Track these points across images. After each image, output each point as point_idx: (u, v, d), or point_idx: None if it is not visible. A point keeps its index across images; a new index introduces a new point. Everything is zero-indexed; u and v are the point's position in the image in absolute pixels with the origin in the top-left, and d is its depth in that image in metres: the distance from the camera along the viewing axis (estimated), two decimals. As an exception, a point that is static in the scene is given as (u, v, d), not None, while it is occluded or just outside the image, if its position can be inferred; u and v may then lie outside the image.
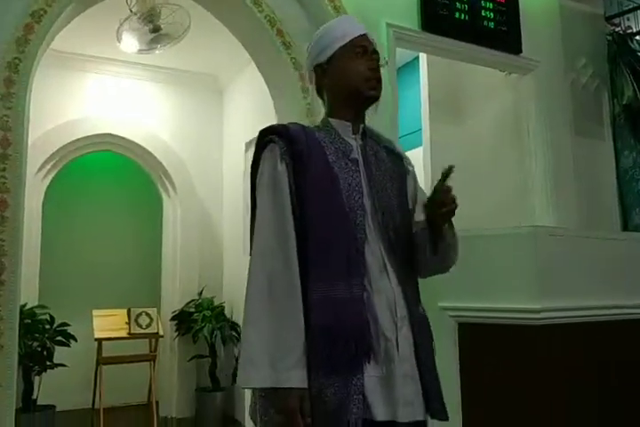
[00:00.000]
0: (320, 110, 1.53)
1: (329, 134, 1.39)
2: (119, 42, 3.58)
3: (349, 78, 1.38)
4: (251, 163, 1.43)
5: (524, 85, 3.53)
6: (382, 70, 1.42)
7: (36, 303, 4.13)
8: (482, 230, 2.46)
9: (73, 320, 4.16)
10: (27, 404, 3.90)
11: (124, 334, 4.00)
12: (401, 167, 1.47)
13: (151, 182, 5.11)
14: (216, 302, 4.73)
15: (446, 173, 1.26)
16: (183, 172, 4.96)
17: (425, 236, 1.35)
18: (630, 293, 2.49)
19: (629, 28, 3.80)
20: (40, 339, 3.94)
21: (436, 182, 1.29)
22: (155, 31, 3.40)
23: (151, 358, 4.09)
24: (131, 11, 3.36)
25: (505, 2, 3.31)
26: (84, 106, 4.65)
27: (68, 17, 2.59)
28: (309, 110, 2.77)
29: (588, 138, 3.56)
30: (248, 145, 4.69)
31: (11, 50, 2.30)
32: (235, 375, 4.49)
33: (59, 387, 4.32)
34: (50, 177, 4.59)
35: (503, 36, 3.30)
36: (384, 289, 1.29)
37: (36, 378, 3.98)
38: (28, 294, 4.07)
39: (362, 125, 1.43)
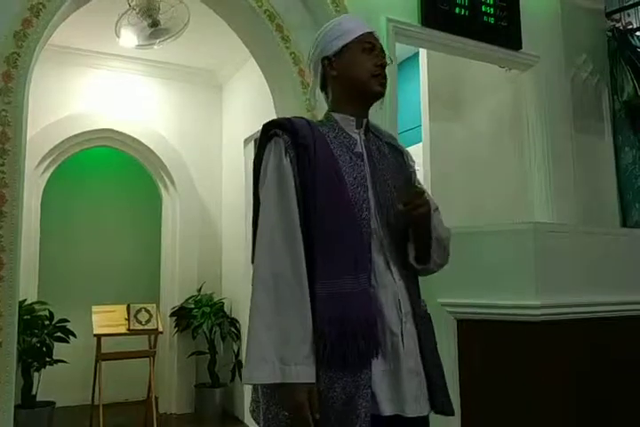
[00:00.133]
0: (319, 106, 1.52)
1: (332, 129, 1.39)
2: (118, 37, 3.57)
3: (356, 72, 1.38)
4: (254, 157, 1.42)
5: (523, 81, 3.51)
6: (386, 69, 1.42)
7: (35, 299, 4.14)
8: (481, 226, 2.46)
9: (72, 316, 4.17)
10: (26, 400, 3.90)
11: (123, 330, 4.00)
12: (403, 163, 1.47)
13: (150, 178, 5.10)
14: (215, 299, 4.73)
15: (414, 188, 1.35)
16: (182, 167, 4.95)
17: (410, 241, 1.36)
18: (630, 289, 2.49)
19: (630, 23, 3.78)
20: (39, 335, 3.94)
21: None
22: (153, 25, 3.39)
23: (150, 354, 4.08)
24: (129, 5, 3.35)
25: (505, -3, 3.30)
26: (82, 101, 4.64)
27: (66, 11, 2.58)
28: (309, 105, 2.76)
29: (588, 134, 3.55)
30: (247, 140, 4.68)
31: (9, 44, 2.29)
32: (234, 372, 4.50)
33: (58, 383, 4.34)
34: (49, 172, 4.59)
35: (503, 31, 3.29)
36: (389, 284, 1.29)
37: (36, 374, 3.99)
38: (28, 290, 4.08)
39: (365, 120, 1.43)
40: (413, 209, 1.29)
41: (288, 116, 1.41)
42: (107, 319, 4.00)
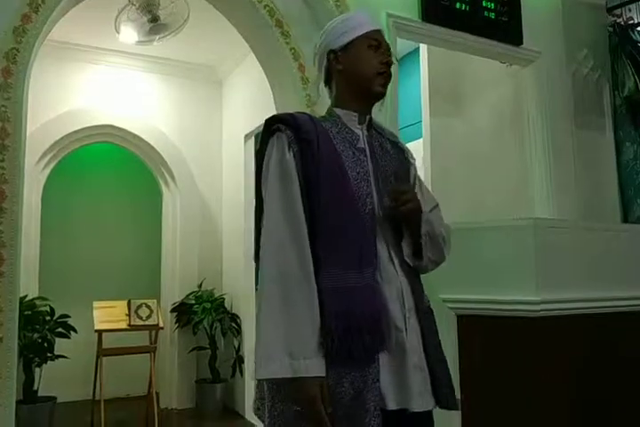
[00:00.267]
0: (322, 101, 1.52)
1: (335, 124, 1.39)
2: (118, 32, 3.56)
3: (362, 68, 1.38)
4: (256, 152, 1.41)
5: (524, 77, 3.51)
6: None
7: (36, 295, 4.14)
8: (481, 222, 2.46)
9: (73, 312, 4.17)
10: (28, 395, 3.91)
11: (124, 325, 4.00)
12: (404, 160, 1.47)
13: (150, 174, 5.10)
14: (216, 294, 4.74)
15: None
16: (182, 163, 4.95)
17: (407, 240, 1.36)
18: (630, 285, 2.49)
19: (631, 19, 3.77)
20: (40, 330, 3.95)
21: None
22: (153, 21, 3.38)
23: (151, 349, 4.09)
24: (129, 0, 3.34)
25: (506, -8, 3.29)
26: (82, 97, 4.63)
27: (65, 7, 2.57)
28: (309, 101, 2.76)
29: (589, 130, 3.55)
30: (248, 136, 4.68)
31: (8, 40, 2.28)
32: (234, 367, 4.50)
33: (59, 378, 4.34)
34: (49, 168, 4.58)
35: (504, 26, 3.28)
36: (393, 279, 1.29)
37: (37, 370, 3.99)
38: (29, 285, 4.08)
39: (368, 117, 1.43)
40: (402, 204, 1.29)
41: (290, 112, 1.41)
42: (107, 315, 4.01)
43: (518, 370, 2.19)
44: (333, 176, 1.29)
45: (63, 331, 4.06)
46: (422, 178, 1.54)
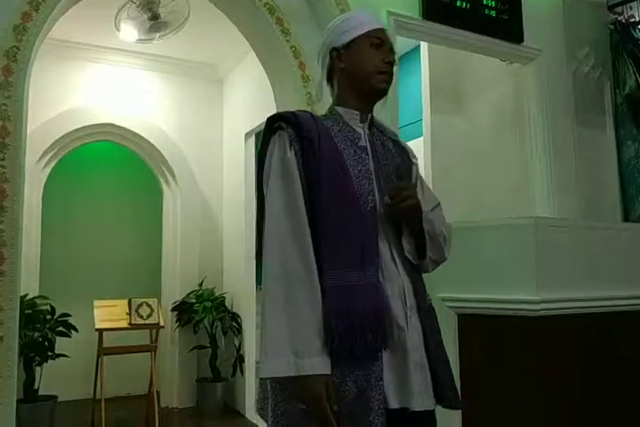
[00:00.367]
0: (319, 99, 1.52)
1: (337, 122, 1.38)
2: (118, 30, 3.56)
3: (364, 66, 1.38)
4: (258, 150, 1.41)
5: (525, 75, 3.50)
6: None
7: (36, 294, 4.14)
8: (482, 221, 2.45)
9: (74, 311, 4.17)
10: (28, 394, 3.92)
11: (124, 324, 4.00)
12: (406, 159, 1.47)
13: (151, 172, 5.10)
14: (217, 293, 4.73)
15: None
16: (183, 162, 4.95)
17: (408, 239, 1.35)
18: (631, 284, 2.48)
19: (632, 16, 3.76)
20: (41, 329, 3.95)
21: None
22: (153, 19, 3.37)
23: (152, 348, 4.09)
24: (129, -1, 3.34)
25: (507, -10, 3.29)
26: (82, 95, 4.63)
27: (66, 5, 2.57)
28: (309, 99, 2.75)
29: (590, 128, 3.54)
30: (248, 134, 4.67)
31: (9, 38, 2.28)
32: (235, 366, 4.51)
33: (60, 377, 4.35)
34: (49, 167, 4.58)
35: (505, 24, 3.27)
36: (394, 277, 1.29)
37: (38, 368, 4.00)
38: (29, 284, 4.08)
39: (370, 115, 1.43)
40: (401, 201, 1.29)
41: (292, 110, 1.41)
42: (108, 314, 4.01)
43: (518, 369, 2.19)
44: (335, 174, 1.29)
45: (64, 330, 4.06)
46: (423, 176, 1.53)
